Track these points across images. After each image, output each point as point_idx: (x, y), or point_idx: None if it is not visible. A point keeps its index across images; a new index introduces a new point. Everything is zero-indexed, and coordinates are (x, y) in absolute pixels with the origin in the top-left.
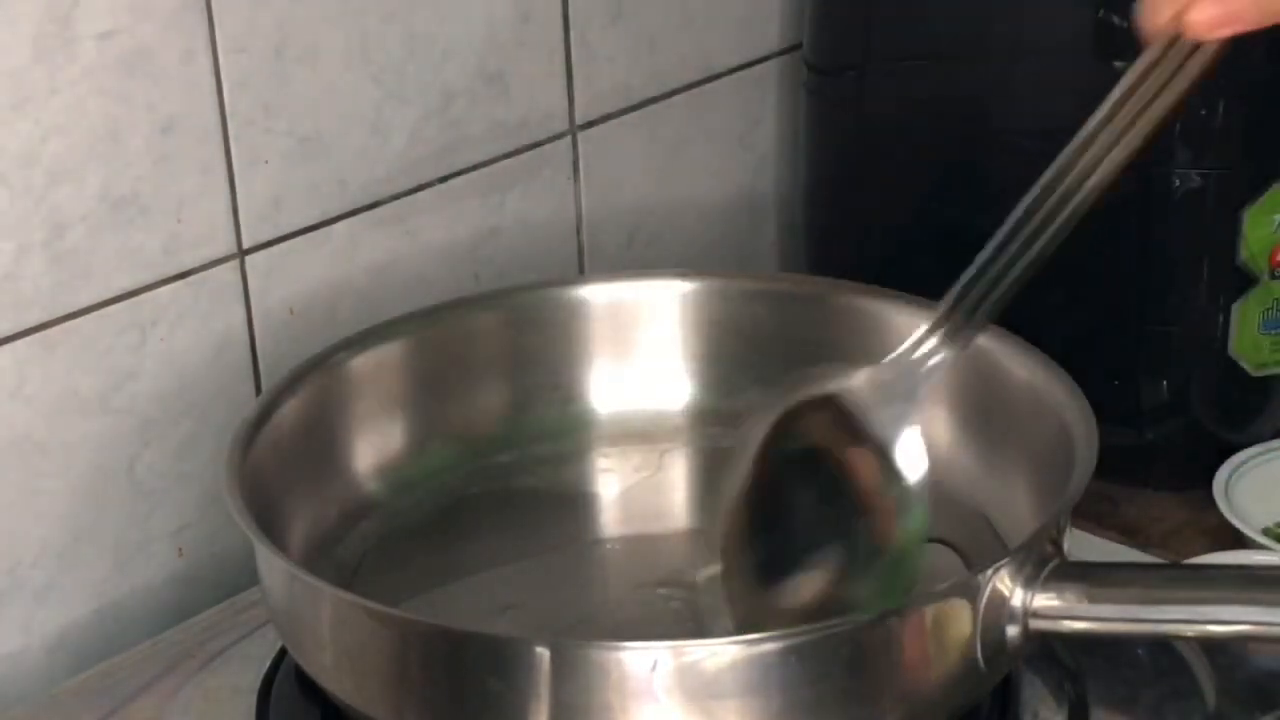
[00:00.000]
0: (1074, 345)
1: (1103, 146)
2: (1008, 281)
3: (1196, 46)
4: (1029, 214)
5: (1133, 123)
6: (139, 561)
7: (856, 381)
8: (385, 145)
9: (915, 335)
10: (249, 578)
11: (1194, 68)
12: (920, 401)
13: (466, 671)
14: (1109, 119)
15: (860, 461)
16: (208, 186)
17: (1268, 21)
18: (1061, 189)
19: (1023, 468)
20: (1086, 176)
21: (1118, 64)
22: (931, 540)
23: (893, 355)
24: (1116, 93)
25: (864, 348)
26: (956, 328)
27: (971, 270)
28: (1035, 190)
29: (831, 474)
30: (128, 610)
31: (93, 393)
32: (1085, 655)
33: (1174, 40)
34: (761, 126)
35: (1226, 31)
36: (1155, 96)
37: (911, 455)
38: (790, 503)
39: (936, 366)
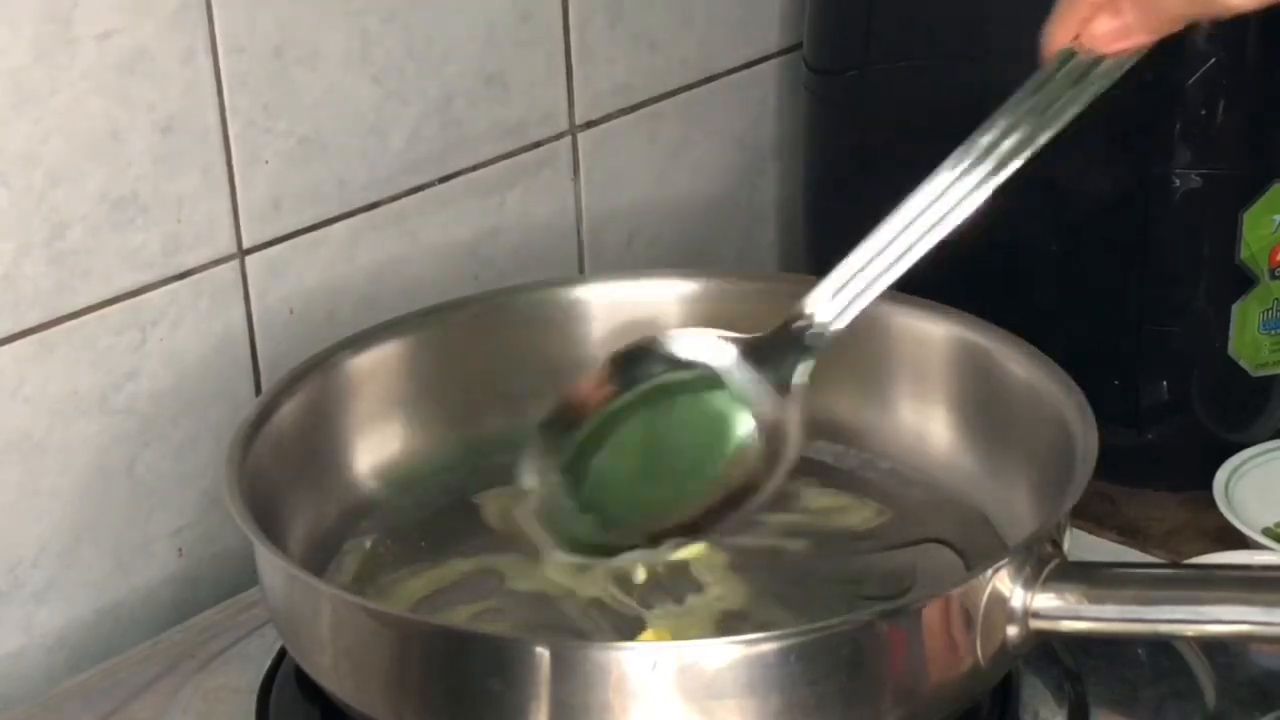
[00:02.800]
0: (1074, 345)
1: (1000, 155)
2: (895, 272)
3: (1097, 62)
4: (919, 214)
5: (1031, 136)
6: (139, 561)
7: (745, 339)
8: (385, 145)
9: (798, 308)
10: (249, 578)
11: (1095, 84)
12: (801, 367)
13: (466, 671)
14: (1009, 129)
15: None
16: (208, 186)
17: (1162, 32)
18: (959, 189)
19: (1023, 468)
20: (981, 183)
21: None
22: (931, 540)
23: (773, 330)
24: (1014, 107)
25: (864, 347)
26: (839, 309)
27: (863, 254)
28: (928, 189)
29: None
30: (128, 610)
31: (93, 393)
32: (1085, 655)
33: (1071, 56)
34: (761, 126)
35: (1124, 44)
36: (1052, 111)
37: (784, 420)
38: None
39: (823, 339)
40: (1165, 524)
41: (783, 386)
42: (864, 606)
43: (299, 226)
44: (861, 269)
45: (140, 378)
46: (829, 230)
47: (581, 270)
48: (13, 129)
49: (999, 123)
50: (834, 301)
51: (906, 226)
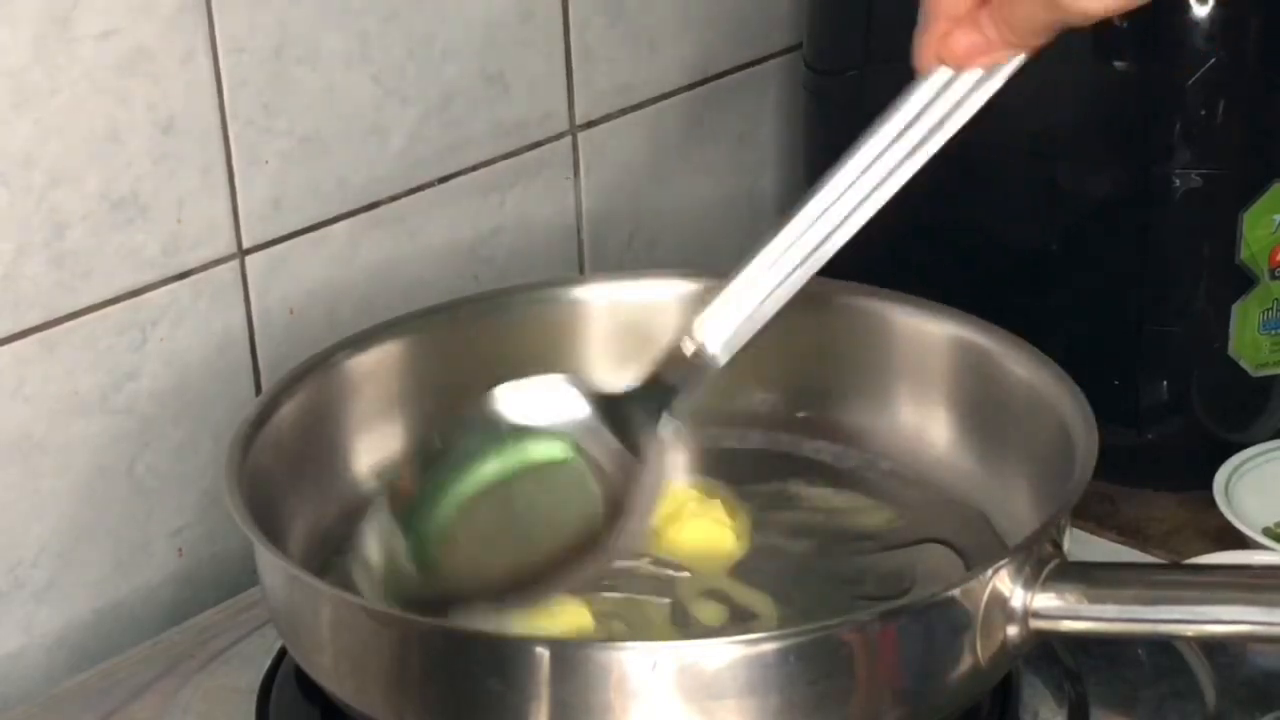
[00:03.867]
0: (1074, 345)
1: (874, 179)
2: (761, 318)
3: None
4: (788, 248)
5: (908, 157)
6: (139, 561)
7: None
8: (385, 145)
9: (674, 348)
10: (249, 578)
11: (970, 98)
12: (665, 417)
13: (466, 671)
14: (881, 154)
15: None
16: (208, 186)
17: (1027, 45)
18: (828, 221)
19: (1023, 468)
20: (851, 212)
21: (1117, 64)
22: (931, 540)
23: (648, 374)
24: (886, 130)
25: (864, 348)
26: (723, 339)
27: (721, 306)
28: (793, 222)
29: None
30: (128, 610)
31: (93, 393)
32: (1085, 655)
33: (944, 72)
34: (761, 126)
35: (985, 60)
36: (931, 129)
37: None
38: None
39: (697, 381)
40: (1165, 524)
41: (634, 445)
42: (864, 606)
43: (299, 226)
44: (741, 296)
45: (140, 378)
46: None
47: (581, 270)
48: (13, 129)
49: (877, 142)
50: (717, 332)
51: (786, 250)
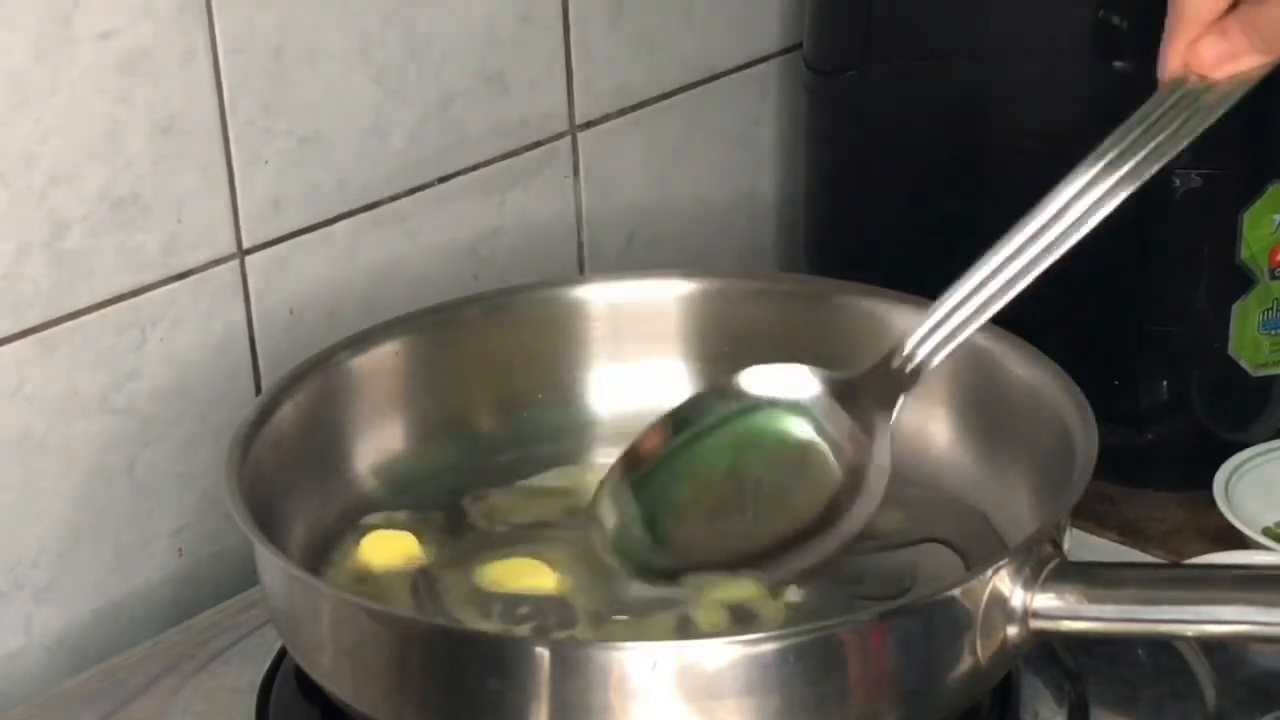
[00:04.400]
0: (1074, 345)
1: (1103, 190)
2: (984, 316)
3: (1208, 88)
4: (1018, 252)
5: (1137, 169)
6: (139, 561)
7: (837, 378)
8: (385, 145)
9: (898, 345)
10: (249, 578)
11: (1209, 111)
12: (895, 411)
13: (466, 671)
14: (1114, 163)
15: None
16: (208, 186)
17: (1273, 53)
18: (1057, 230)
19: (1023, 468)
20: (1084, 219)
21: (1117, 64)
22: (931, 540)
23: (875, 365)
24: (1121, 139)
25: (864, 348)
26: (921, 364)
27: (951, 300)
28: (1028, 227)
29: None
30: (128, 610)
31: (93, 393)
32: (1085, 655)
33: (1181, 84)
34: (761, 126)
35: (1233, 68)
36: (1163, 140)
37: (869, 464)
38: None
39: (915, 381)
40: (1165, 524)
41: (868, 428)
42: (864, 606)
43: (299, 226)
44: (961, 303)
45: (140, 378)
46: (829, 230)
47: (581, 270)
48: (13, 129)
49: (1108, 153)
50: (933, 338)
51: (1010, 259)
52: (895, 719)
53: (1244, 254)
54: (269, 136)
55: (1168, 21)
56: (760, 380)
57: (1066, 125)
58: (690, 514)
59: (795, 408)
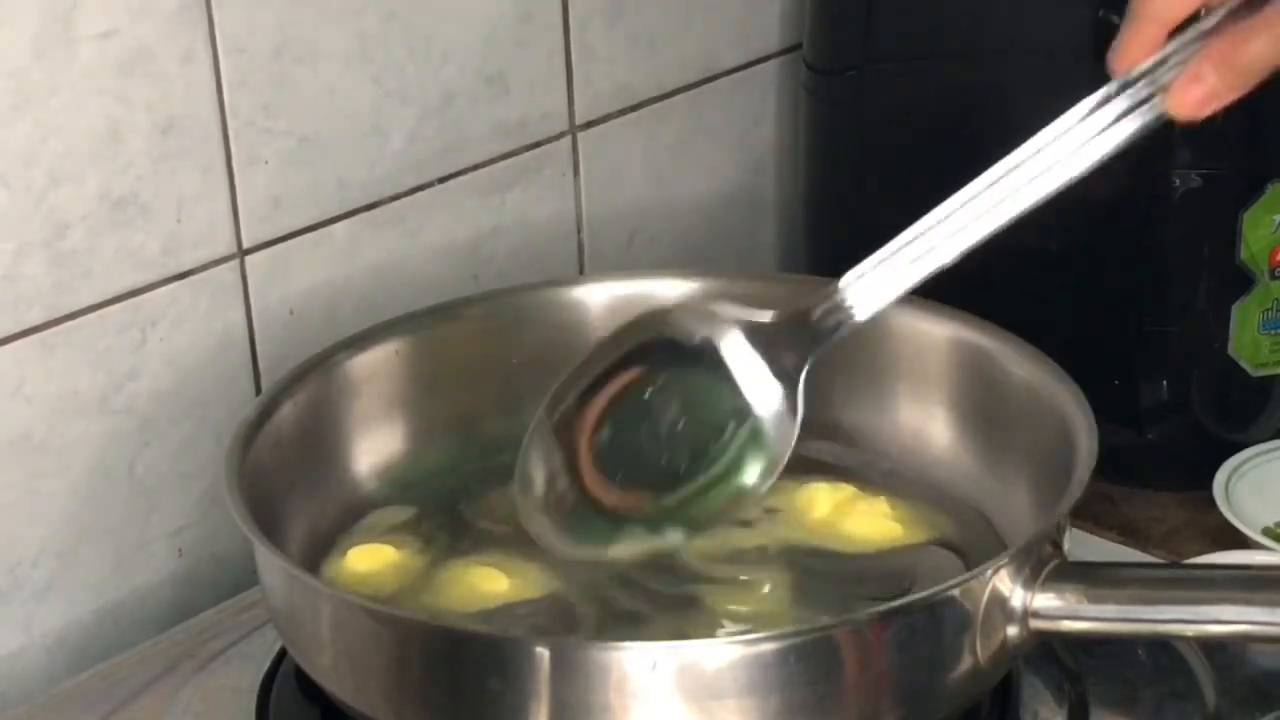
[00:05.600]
0: (1074, 345)
1: (1050, 160)
2: (932, 263)
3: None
4: (969, 199)
5: (1082, 146)
6: (139, 561)
7: (754, 321)
8: (385, 145)
9: (824, 292)
10: (249, 578)
11: (1156, 109)
12: (811, 360)
13: (466, 671)
14: (1055, 141)
15: (719, 394)
16: (208, 186)
17: (1248, 87)
18: (1009, 183)
19: (1023, 468)
20: (1011, 195)
21: None
22: (931, 540)
23: (796, 309)
24: (1073, 119)
25: (864, 347)
26: (868, 297)
27: (898, 243)
28: (987, 177)
29: (689, 397)
30: (128, 610)
31: (93, 393)
32: (1085, 655)
33: (1133, 80)
34: (761, 126)
35: (1213, 107)
36: (1109, 130)
37: (782, 412)
38: (635, 410)
39: (838, 330)
40: (1165, 524)
41: (786, 375)
42: (864, 606)
43: (299, 226)
44: (895, 254)
45: (140, 378)
46: (829, 230)
47: (581, 270)
48: (13, 129)
49: (1055, 131)
50: (862, 286)
51: (946, 218)
52: (895, 719)
53: (1244, 254)
54: (269, 136)
55: (1128, 13)
56: (677, 320)
57: None
58: (609, 461)
59: (711, 350)
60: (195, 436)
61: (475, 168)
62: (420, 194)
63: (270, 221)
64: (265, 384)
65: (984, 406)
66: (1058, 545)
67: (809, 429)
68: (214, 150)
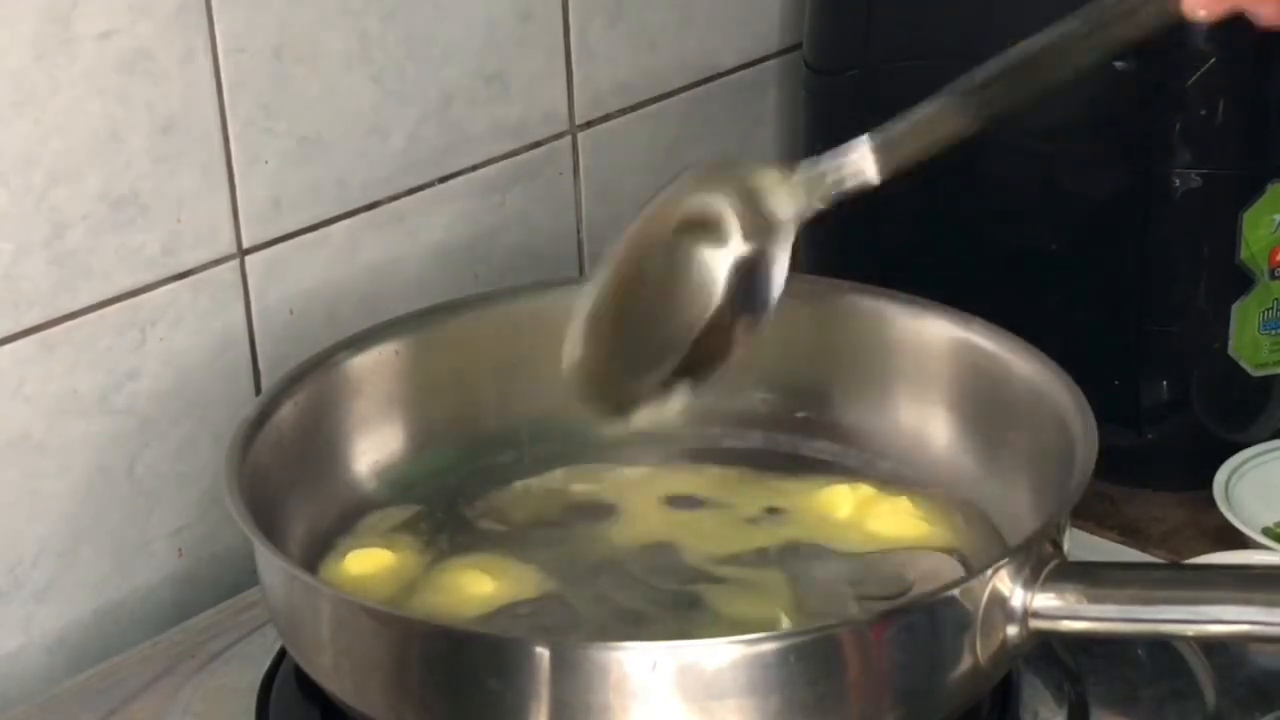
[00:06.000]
0: (1074, 345)
1: (1076, 39)
2: (935, 137)
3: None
4: (984, 83)
5: (1080, 51)
6: (139, 561)
7: (748, 182)
8: (385, 145)
9: (837, 153)
10: (249, 578)
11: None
12: (799, 220)
13: (466, 671)
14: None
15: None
16: (208, 186)
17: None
18: (1023, 64)
19: (1023, 468)
20: (1056, 59)
21: (1118, 64)
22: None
23: (806, 169)
24: (1065, 23)
25: (864, 348)
26: (882, 160)
27: (911, 117)
28: (998, 61)
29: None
30: (128, 610)
31: (93, 393)
32: (1085, 655)
33: None
34: (761, 126)
35: (1220, 9)
36: (1103, 32)
37: (770, 273)
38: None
39: (837, 188)
40: (1165, 524)
41: (774, 218)
42: (864, 606)
43: (299, 226)
44: (914, 125)
45: (140, 378)
46: (828, 230)
47: (581, 270)
48: (13, 129)
49: (1051, 32)
50: (879, 154)
51: (951, 100)
52: (895, 719)
53: (1244, 254)
54: (269, 136)
55: None
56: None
57: (1066, 125)
58: (614, 322)
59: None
60: (195, 436)
61: (475, 168)
62: (420, 194)
63: (270, 221)
64: (265, 384)
65: (984, 406)
66: (1058, 545)
67: (809, 429)
68: (214, 150)
